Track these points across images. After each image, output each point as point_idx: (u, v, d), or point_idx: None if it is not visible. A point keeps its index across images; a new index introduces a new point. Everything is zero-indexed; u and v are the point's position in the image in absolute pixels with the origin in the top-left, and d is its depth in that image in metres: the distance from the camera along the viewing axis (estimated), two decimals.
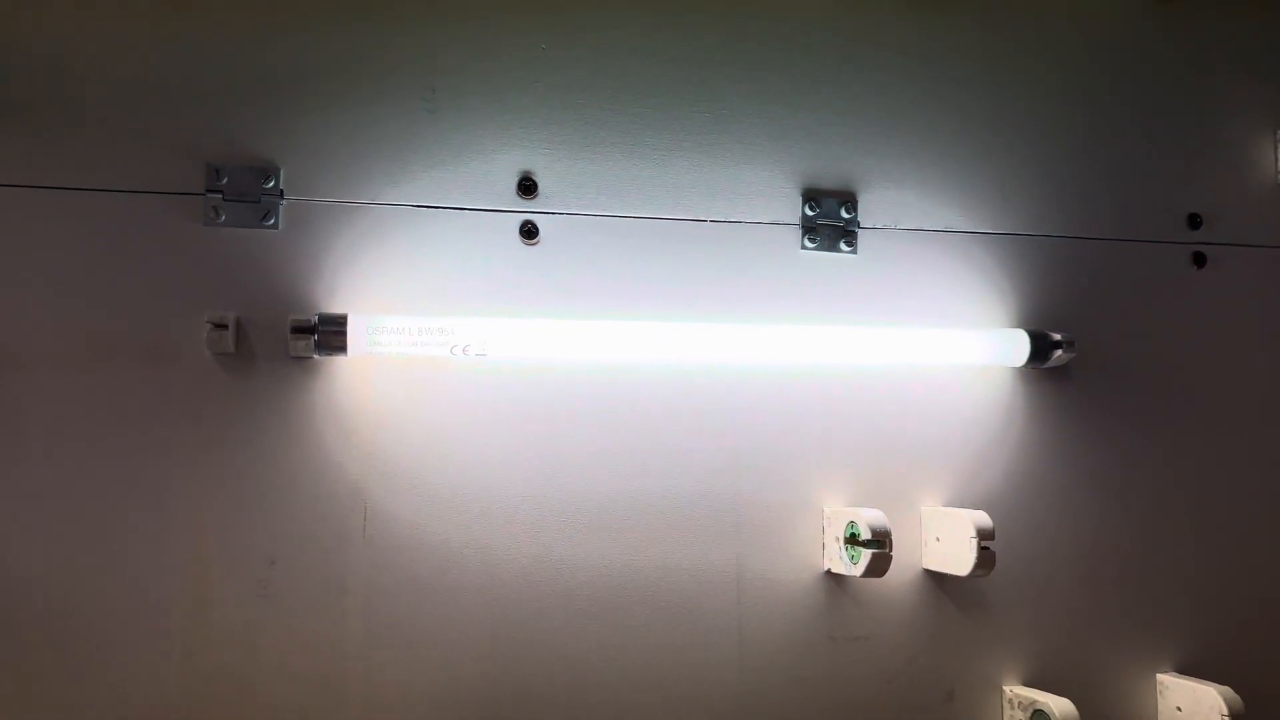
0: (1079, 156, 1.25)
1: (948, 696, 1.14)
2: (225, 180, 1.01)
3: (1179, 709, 1.16)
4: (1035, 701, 1.11)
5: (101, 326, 0.98)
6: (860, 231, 1.17)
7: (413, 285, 1.05)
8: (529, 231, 1.08)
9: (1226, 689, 1.13)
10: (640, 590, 1.08)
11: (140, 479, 0.98)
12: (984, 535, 1.06)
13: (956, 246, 1.20)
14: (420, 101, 1.06)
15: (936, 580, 1.15)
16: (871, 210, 1.18)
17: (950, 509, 1.12)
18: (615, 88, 1.12)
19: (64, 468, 0.97)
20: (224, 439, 1.00)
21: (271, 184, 1.02)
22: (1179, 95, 1.28)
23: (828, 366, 1.14)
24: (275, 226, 1.03)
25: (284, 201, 1.03)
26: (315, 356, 1.00)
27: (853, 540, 1.07)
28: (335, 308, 1.02)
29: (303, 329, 0.98)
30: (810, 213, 1.15)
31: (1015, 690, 1.14)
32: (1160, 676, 1.19)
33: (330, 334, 0.98)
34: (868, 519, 1.05)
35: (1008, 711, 1.14)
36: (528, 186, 1.09)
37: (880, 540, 1.04)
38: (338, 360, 1.02)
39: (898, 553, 1.08)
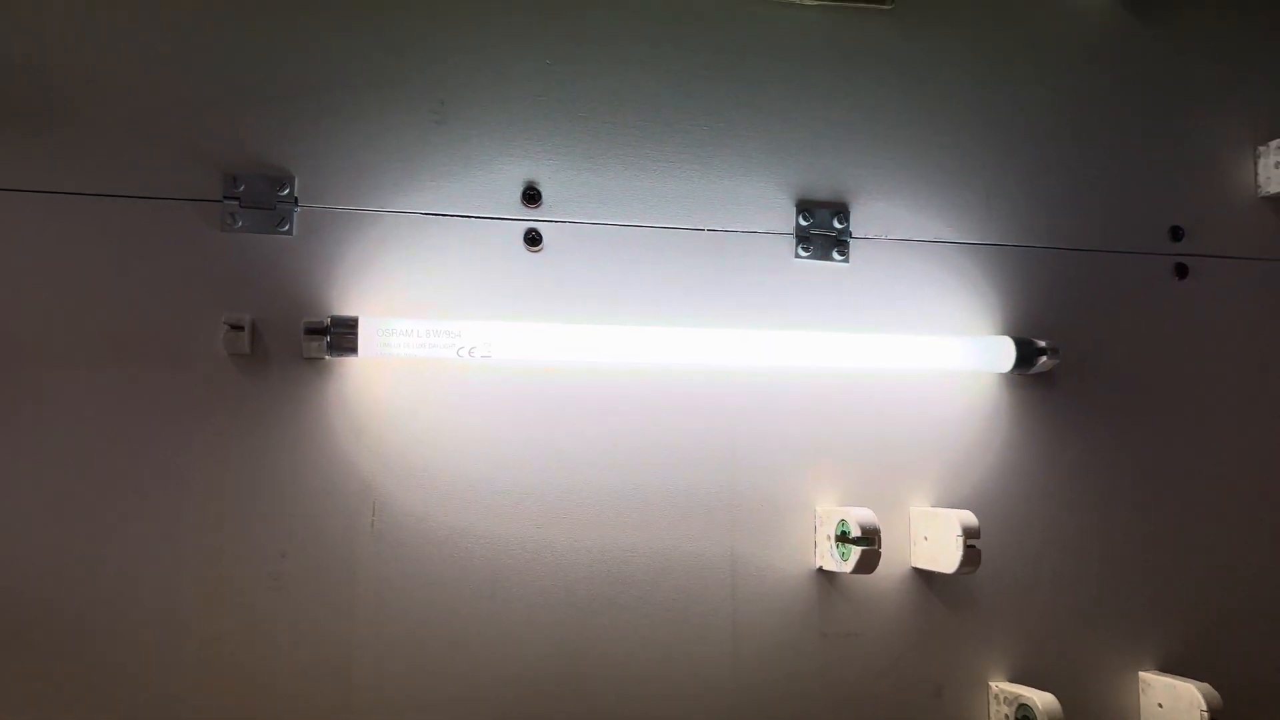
0: (1064, 170, 1.29)
1: (935, 692, 1.18)
2: (242, 188, 1.06)
3: (1160, 705, 1.20)
4: (1021, 697, 1.14)
5: (121, 328, 1.02)
6: (852, 241, 1.21)
7: (421, 290, 1.09)
8: (533, 239, 1.13)
9: (1206, 686, 1.16)
10: (638, 585, 1.12)
11: (156, 474, 1.02)
12: (970, 534, 1.10)
13: (945, 256, 1.24)
14: (429, 113, 1.11)
15: (925, 579, 1.19)
16: (863, 221, 1.22)
17: (937, 509, 1.16)
18: (617, 102, 1.16)
19: (84, 463, 1.01)
20: (238, 436, 1.04)
21: (286, 191, 1.07)
22: (1161, 110, 1.32)
23: (821, 371, 1.18)
24: (290, 233, 1.07)
25: (298, 208, 1.07)
26: (327, 357, 1.04)
27: (843, 538, 1.11)
28: (346, 311, 1.06)
29: (316, 330, 1.02)
30: (804, 223, 1.20)
31: (1001, 686, 1.18)
32: (1142, 674, 1.23)
33: (342, 335, 1.02)
34: (858, 517, 1.09)
35: (994, 707, 1.18)
36: (532, 195, 1.13)
37: (870, 538, 1.08)
38: (348, 361, 1.06)
39: (887, 552, 1.12)
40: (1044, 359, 1.20)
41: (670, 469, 1.14)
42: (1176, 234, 1.32)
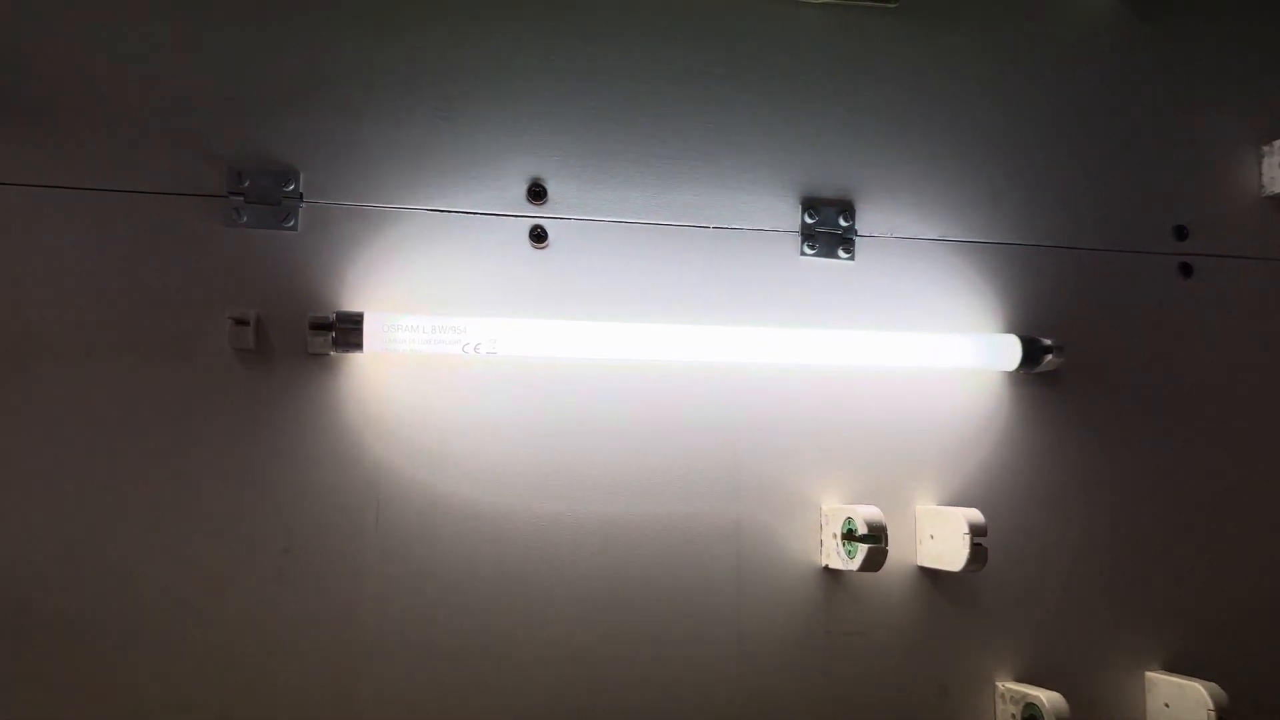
0: (1069, 168, 1.29)
1: (942, 691, 1.18)
2: (247, 183, 1.05)
3: (1167, 705, 1.20)
4: (1027, 696, 1.14)
5: (126, 323, 1.02)
6: (858, 239, 1.21)
7: (426, 286, 1.09)
8: (538, 235, 1.12)
9: (1213, 685, 1.16)
10: (644, 583, 1.11)
11: (160, 470, 1.01)
12: (977, 531, 1.10)
13: (951, 255, 1.24)
14: (434, 110, 1.10)
15: (931, 577, 1.18)
16: (869, 219, 1.22)
17: (944, 507, 1.16)
18: (623, 99, 1.16)
19: (88, 458, 1.00)
20: (243, 432, 1.03)
21: (291, 187, 1.06)
22: (1166, 109, 1.32)
23: (827, 369, 1.18)
24: (295, 228, 1.06)
25: (303, 204, 1.07)
26: (332, 353, 1.04)
27: (849, 536, 1.10)
28: (352, 307, 1.06)
29: (321, 326, 1.01)
30: (809, 220, 1.19)
31: (1008, 685, 1.17)
32: (1149, 673, 1.22)
33: (348, 331, 1.02)
34: (864, 515, 1.08)
35: (1000, 706, 1.17)
36: (537, 192, 1.13)
37: (876, 535, 1.07)
38: (353, 357, 1.06)
39: (893, 551, 1.11)
40: (1049, 357, 1.20)
41: (676, 467, 1.13)
42: (1181, 233, 1.32)
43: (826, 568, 1.15)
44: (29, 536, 0.99)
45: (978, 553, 1.10)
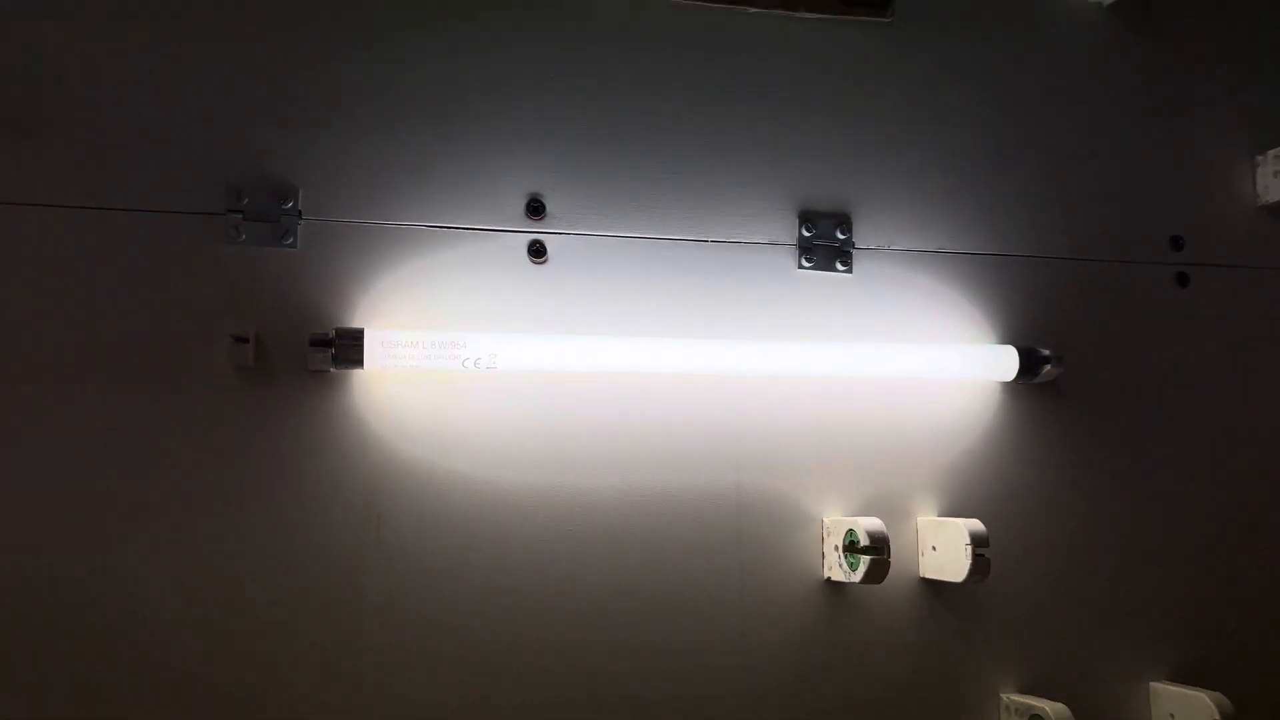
0: (1065, 180, 1.29)
1: (946, 703, 1.17)
2: (246, 201, 1.05)
3: (1172, 716, 1.19)
4: (1032, 707, 1.13)
5: (124, 342, 1.02)
6: (855, 252, 1.21)
7: (426, 302, 1.09)
8: (537, 250, 1.12)
9: (1218, 695, 1.15)
10: (647, 597, 1.11)
11: (160, 488, 1.01)
12: (978, 542, 1.09)
13: (947, 267, 1.24)
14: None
15: (934, 589, 1.18)
16: (865, 232, 1.22)
17: (945, 518, 1.15)
18: (621, 116, 1.17)
19: (87, 477, 1.00)
20: (242, 449, 1.03)
21: (290, 205, 1.07)
22: (1159, 120, 1.33)
23: (826, 381, 1.18)
24: (294, 246, 1.07)
25: (302, 221, 1.07)
26: (332, 370, 1.04)
27: (852, 548, 1.10)
28: (351, 324, 1.06)
29: (321, 342, 1.01)
30: (806, 233, 1.20)
31: (1012, 697, 1.17)
32: (1154, 684, 1.22)
33: (348, 347, 1.02)
34: (866, 526, 1.08)
35: (1005, 717, 1.17)
36: (536, 207, 1.13)
37: (878, 546, 1.07)
38: (353, 373, 1.06)
39: (895, 562, 1.11)
40: (1047, 367, 1.20)
41: (677, 480, 1.13)
42: (1177, 243, 1.33)
43: (829, 580, 1.14)
44: (23, 559, 0.98)
45: (980, 564, 1.09)
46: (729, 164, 1.19)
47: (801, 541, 1.15)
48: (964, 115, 1.27)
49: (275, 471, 1.04)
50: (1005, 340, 1.24)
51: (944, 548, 1.14)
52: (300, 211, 1.07)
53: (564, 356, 1.08)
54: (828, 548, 1.15)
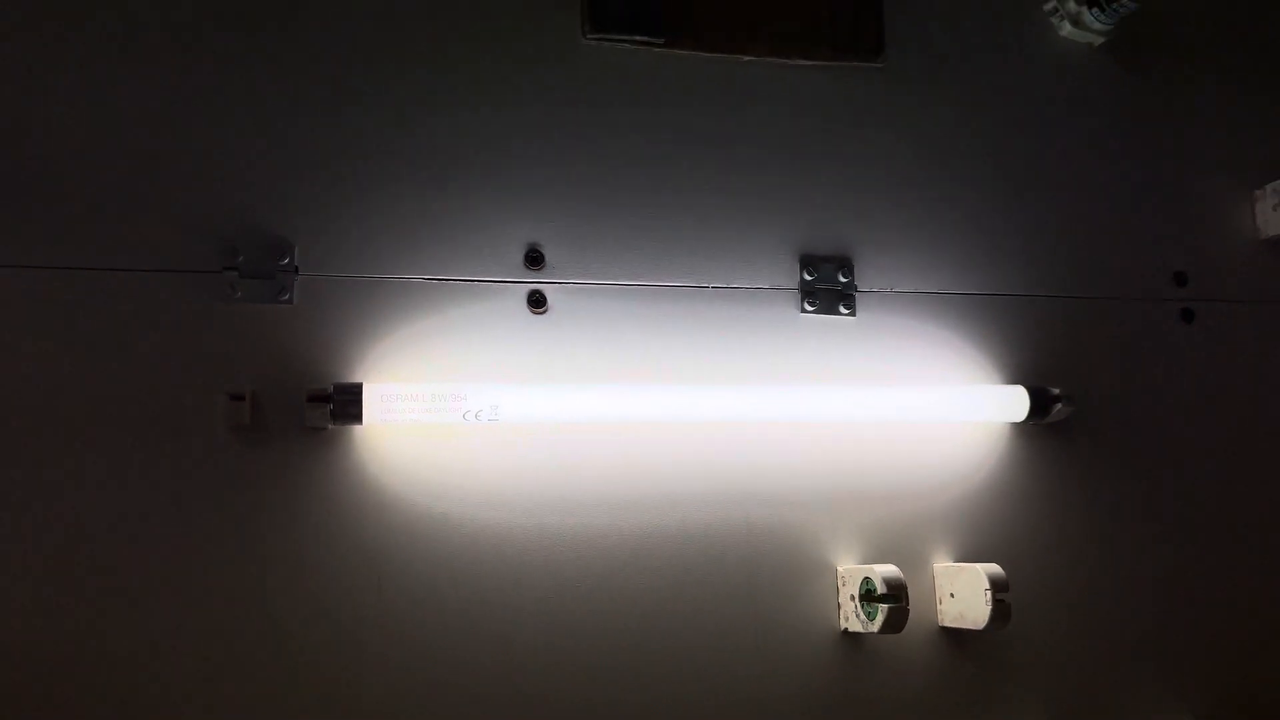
0: (1064, 218, 1.29)
1: None
2: (241, 258, 1.04)
3: None
4: None
5: (119, 403, 0.99)
6: (858, 295, 1.20)
7: (425, 356, 1.07)
8: (537, 301, 1.11)
9: None
10: (658, 654, 1.07)
11: (156, 551, 0.98)
12: (998, 587, 1.06)
13: (951, 308, 1.23)
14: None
15: (953, 638, 1.14)
16: (867, 274, 1.21)
17: (962, 564, 1.12)
18: (617, 164, 1.16)
19: (79, 541, 0.97)
20: (238, 510, 1.00)
21: (286, 260, 1.05)
22: (1156, 157, 1.33)
23: (834, 427, 1.16)
24: (290, 301, 1.05)
25: (299, 276, 1.06)
26: (330, 426, 1.01)
27: (869, 596, 1.07)
28: (349, 379, 1.03)
29: (319, 398, 0.99)
30: (809, 277, 1.19)
31: None
32: None
33: (345, 403, 0.99)
34: (882, 574, 1.05)
35: None
36: (535, 257, 1.12)
37: (896, 594, 1.04)
38: (352, 430, 1.03)
39: (913, 612, 1.07)
40: (1059, 406, 1.18)
41: (687, 531, 1.10)
42: (1180, 279, 1.32)
43: (845, 631, 1.11)
44: (14, 623, 0.94)
45: (1000, 609, 1.06)
46: (727, 209, 1.18)
47: (816, 592, 1.12)
48: (959, 156, 1.27)
49: (271, 533, 1.00)
50: (1012, 380, 1.22)
51: (962, 594, 1.10)
52: (297, 267, 1.06)
53: (566, 406, 1.06)
54: (843, 597, 1.11)
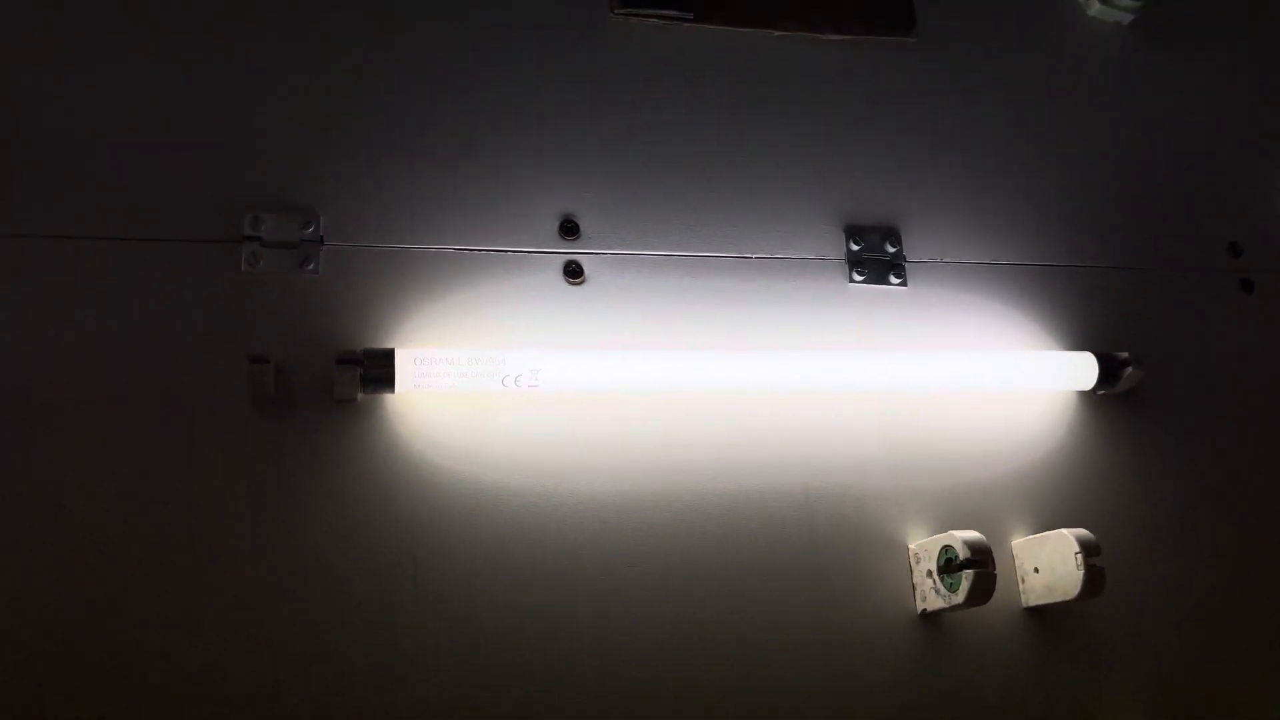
0: (1112, 188, 1.25)
1: None
2: (263, 226, 0.98)
3: None
4: None
5: (140, 376, 0.92)
6: (908, 265, 1.15)
7: (458, 327, 1.00)
8: (574, 271, 1.05)
9: None
10: (716, 642, 0.97)
11: (177, 528, 0.89)
12: (1090, 551, 0.97)
13: (1004, 278, 1.17)
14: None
15: (1040, 621, 1.04)
16: (915, 245, 1.16)
17: (1045, 533, 1.03)
18: (651, 135, 1.12)
19: (98, 517, 0.88)
20: (263, 487, 0.92)
21: (311, 229, 1.00)
22: (1199, 128, 1.30)
23: (894, 399, 1.09)
24: (316, 272, 0.99)
25: (324, 246, 1.00)
26: (360, 396, 0.94)
27: (949, 568, 0.97)
28: None
29: (349, 361, 0.92)
30: (855, 247, 1.13)
31: None
32: None
33: (377, 367, 0.92)
34: (964, 538, 0.96)
35: None
36: (569, 228, 1.06)
37: (981, 559, 0.95)
38: (382, 402, 0.96)
39: (994, 596, 0.98)
40: (1129, 371, 1.11)
41: (742, 510, 1.02)
42: (1235, 250, 1.27)
43: (924, 613, 1.01)
44: (31, 602, 0.85)
45: (1094, 575, 0.97)
46: (766, 181, 1.14)
47: (889, 573, 1.03)
48: (997, 128, 1.24)
49: (297, 511, 0.92)
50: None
51: (1048, 566, 1.01)
52: (322, 237, 1.00)
53: (611, 372, 0.99)
54: (919, 575, 1.02)
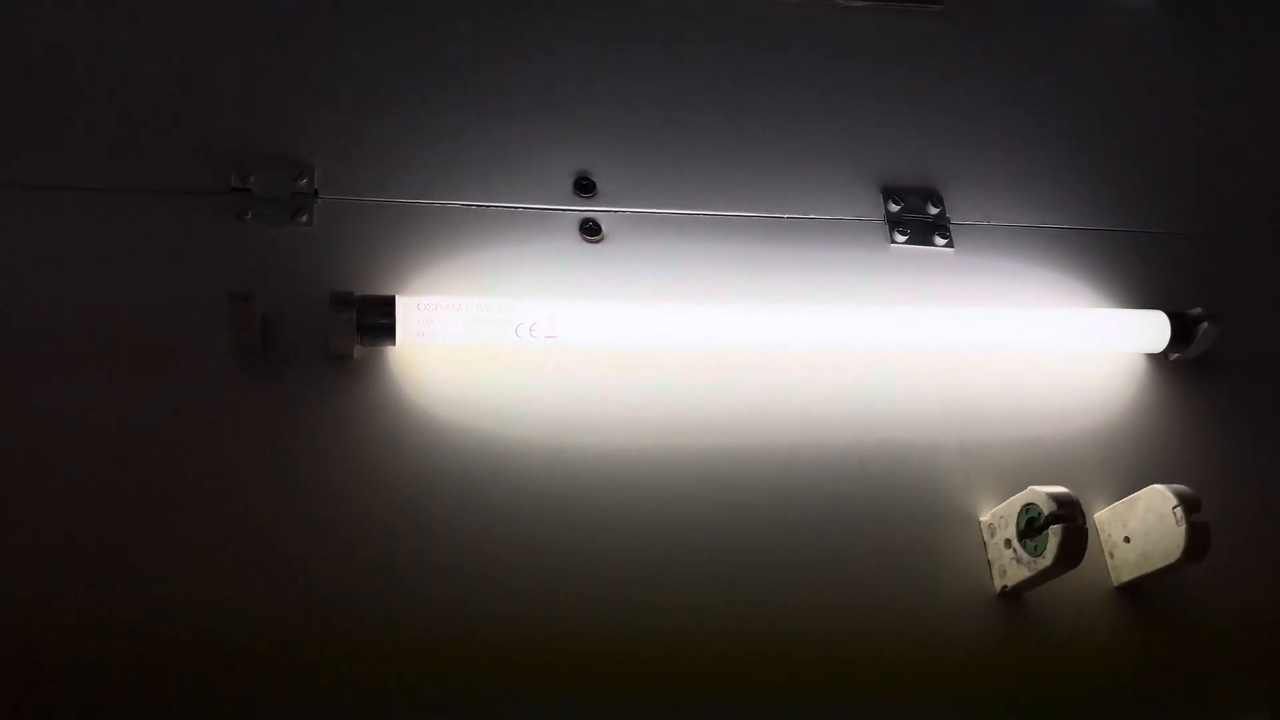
0: (1172, 152, 1.17)
1: None
2: (253, 178, 0.90)
3: None
4: None
5: (120, 330, 0.83)
6: (951, 226, 1.06)
7: (465, 285, 0.91)
8: (591, 229, 0.96)
9: None
10: (768, 641, 0.84)
11: (156, 494, 0.78)
12: (1190, 506, 0.85)
13: (1057, 242, 1.08)
14: None
15: (1135, 600, 0.91)
16: (957, 207, 1.07)
17: (1133, 495, 0.91)
18: (667, 92, 1.05)
19: (79, 475, 0.78)
20: (251, 452, 0.81)
21: (305, 182, 0.91)
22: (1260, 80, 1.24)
23: (950, 363, 0.98)
24: (309, 224, 0.90)
25: (320, 200, 0.91)
26: (356, 351, 0.84)
27: (1031, 527, 0.85)
28: None
29: (343, 302, 0.82)
30: (894, 207, 1.05)
31: None
32: None
33: (375, 313, 0.82)
34: (1048, 491, 0.84)
35: None
36: (585, 185, 0.98)
37: (1069, 513, 0.82)
38: (380, 360, 0.86)
39: (1081, 577, 0.86)
40: (1204, 327, 1.00)
41: (792, 484, 0.90)
42: None
43: (1004, 591, 0.88)
44: (9, 564, 0.73)
45: (1198, 533, 0.84)
46: (795, 141, 1.07)
47: (961, 548, 0.90)
48: (1036, 94, 1.17)
49: (289, 479, 0.81)
50: None
51: (1141, 530, 0.89)
52: (317, 190, 0.92)
53: (636, 325, 0.88)
54: (995, 550, 0.89)
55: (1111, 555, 0.92)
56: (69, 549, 0.75)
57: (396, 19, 1.01)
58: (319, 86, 0.96)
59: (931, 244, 1.04)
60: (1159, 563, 0.87)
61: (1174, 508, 0.85)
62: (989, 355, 0.99)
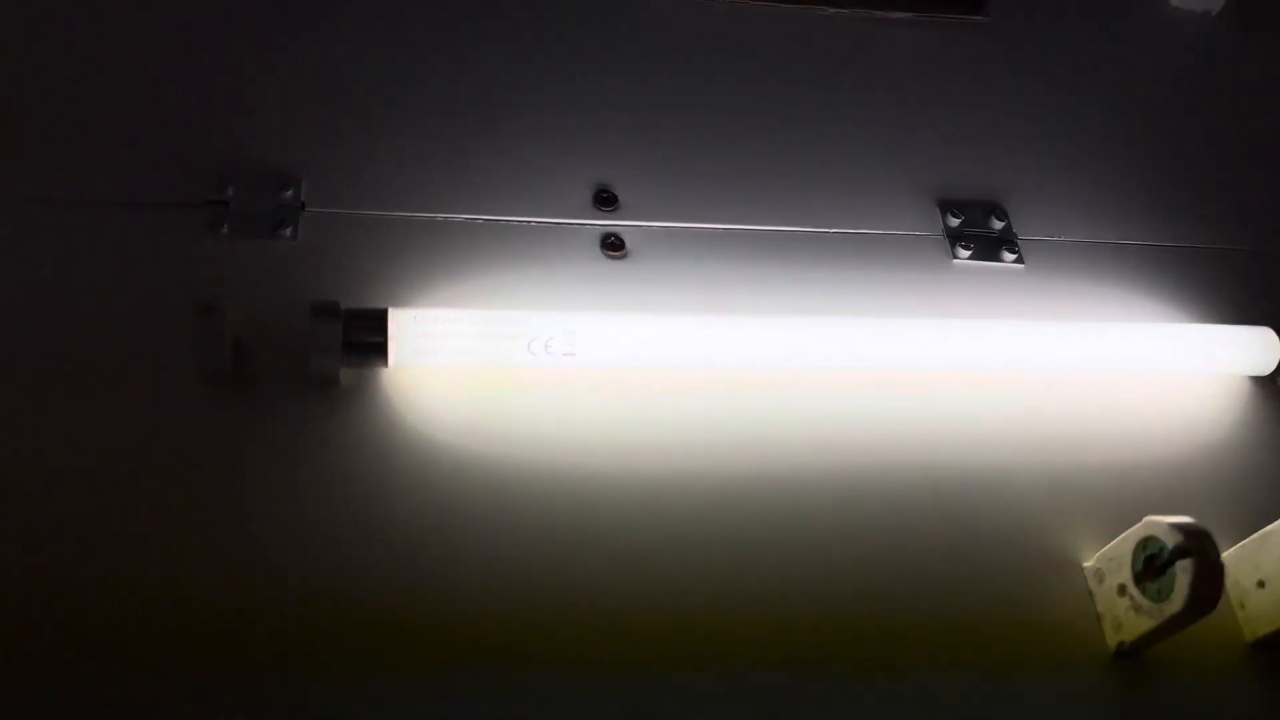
0: (1241, 168, 1.06)
1: None
2: (232, 190, 0.80)
3: None
4: None
5: (92, 347, 0.72)
6: (1021, 241, 0.95)
7: (469, 305, 0.79)
8: (614, 244, 0.85)
9: None
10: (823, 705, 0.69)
11: (121, 527, 0.65)
12: None
13: (1136, 260, 0.97)
14: None
15: (1275, 658, 0.76)
16: (1022, 222, 0.96)
17: (1264, 530, 0.76)
18: (710, 93, 0.96)
19: (43, 500, 0.65)
20: (226, 483, 0.69)
21: (290, 194, 0.81)
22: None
23: (1030, 387, 0.85)
24: (293, 239, 0.80)
25: (306, 213, 0.81)
26: (342, 376, 0.72)
27: (1151, 566, 0.70)
28: None
29: (326, 313, 0.70)
30: (954, 221, 0.94)
31: None
32: None
33: (364, 329, 0.71)
34: (1171, 521, 0.70)
35: None
36: (606, 198, 0.88)
37: (1199, 544, 0.68)
38: (371, 384, 0.74)
39: (1207, 633, 0.71)
40: None
41: (858, 526, 0.76)
42: None
43: (1122, 648, 0.73)
44: None
45: None
46: (840, 153, 0.97)
47: (1062, 602, 0.75)
48: (1095, 108, 1.07)
49: (268, 511, 0.68)
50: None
51: (1278, 574, 0.74)
52: (303, 203, 0.81)
53: (670, 339, 0.77)
54: (1105, 600, 0.74)
55: (1242, 606, 0.77)
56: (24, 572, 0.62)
57: (398, 19, 0.93)
58: (311, 92, 0.88)
59: (999, 259, 0.92)
60: None
61: None
62: (1070, 375, 0.86)
